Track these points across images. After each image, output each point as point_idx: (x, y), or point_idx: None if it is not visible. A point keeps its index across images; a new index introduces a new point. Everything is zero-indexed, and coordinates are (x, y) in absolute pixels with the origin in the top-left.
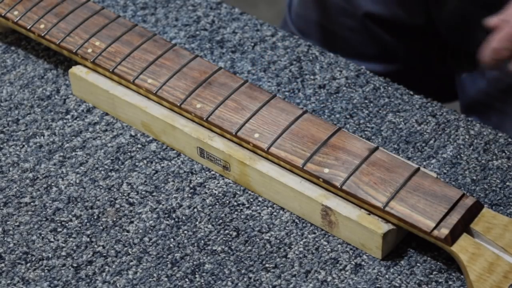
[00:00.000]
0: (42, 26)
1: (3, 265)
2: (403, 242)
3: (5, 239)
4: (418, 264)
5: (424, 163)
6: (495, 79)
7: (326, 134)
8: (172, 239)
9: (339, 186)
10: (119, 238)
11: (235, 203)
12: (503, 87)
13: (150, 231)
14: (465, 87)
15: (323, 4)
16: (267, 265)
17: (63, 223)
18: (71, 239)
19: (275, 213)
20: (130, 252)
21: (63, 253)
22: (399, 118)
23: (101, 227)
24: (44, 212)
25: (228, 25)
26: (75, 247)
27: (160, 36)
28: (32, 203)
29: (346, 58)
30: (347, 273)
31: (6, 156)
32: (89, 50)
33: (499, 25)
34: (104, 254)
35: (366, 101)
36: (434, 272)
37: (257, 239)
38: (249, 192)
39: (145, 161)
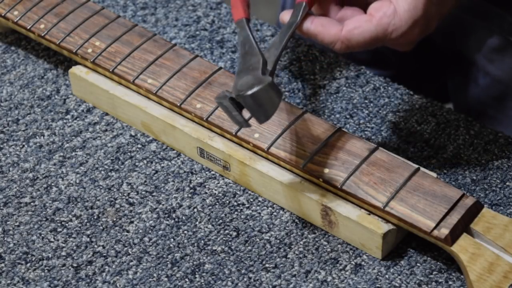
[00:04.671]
0: (42, 26)
1: (3, 265)
2: (403, 242)
3: (5, 239)
4: (418, 264)
5: (424, 163)
6: (487, 86)
7: (326, 134)
8: (172, 239)
9: (339, 186)
10: (119, 238)
11: (235, 203)
12: (496, 94)
13: (150, 231)
14: (458, 94)
15: None
16: (267, 265)
17: (63, 223)
18: (71, 239)
19: (275, 213)
20: (130, 252)
21: (63, 253)
22: (399, 118)
23: (101, 227)
24: (44, 212)
25: (228, 25)
26: (75, 247)
27: (160, 36)
28: (32, 203)
29: None
30: (347, 273)
31: (6, 156)
32: (89, 50)
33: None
34: (104, 254)
35: (366, 101)
36: (434, 272)
37: (257, 239)
38: (249, 192)
39: (145, 161)
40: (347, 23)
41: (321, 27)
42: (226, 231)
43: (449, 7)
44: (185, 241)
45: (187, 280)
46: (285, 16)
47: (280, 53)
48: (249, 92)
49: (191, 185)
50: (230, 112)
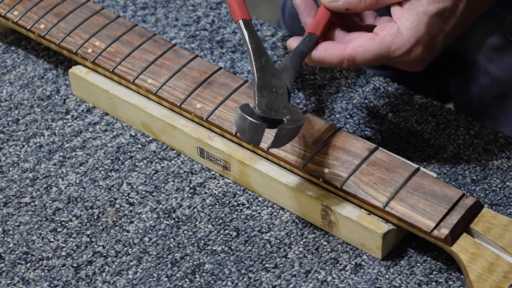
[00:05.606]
0: (42, 26)
1: (3, 265)
2: (403, 242)
3: (5, 239)
4: (418, 264)
5: (424, 163)
6: (488, 85)
7: (326, 134)
8: (172, 239)
9: (339, 186)
10: (119, 238)
11: (235, 203)
12: (496, 93)
13: (150, 231)
14: (459, 93)
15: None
16: (267, 265)
17: (63, 223)
18: (71, 239)
19: (275, 213)
20: (130, 252)
21: (63, 253)
22: (399, 118)
23: (101, 227)
24: (44, 212)
25: (228, 25)
26: (75, 247)
27: (160, 36)
28: (32, 203)
29: None
30: (347, 273)
31: (6, 156)
32: (89, 50)
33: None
34: (104, 254)
35: (366, 101)
36: (434, 272)
37: (257, 239)
38: (249, 192)
39: (145, 161)
40: (351, 42)
41: (325, 52)
42: (226, 231)
43: (453, 25)
44: (185, 241)
45: (187, 280)
46: (293, 42)
47: (294, 80)
48: (291, 126)
49: (191, 185)
50: (250, 128)
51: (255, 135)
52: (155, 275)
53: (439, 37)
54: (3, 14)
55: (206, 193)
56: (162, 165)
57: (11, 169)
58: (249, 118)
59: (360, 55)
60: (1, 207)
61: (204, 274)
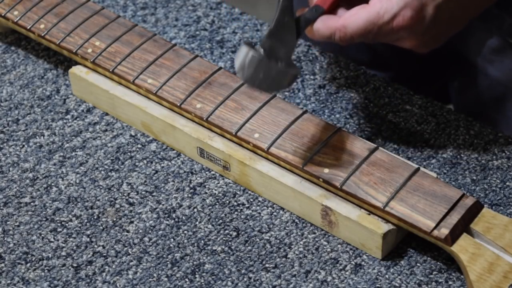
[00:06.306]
0: (42, 26)
1: (3, 265)
2: (403, 242)
3: (5, 239)
4: (418, 264)
5: (424, 163)
6: (487, 87)
7: (326, 134)
8: (172, 239)
9: (339, 186)
10: (119, 238)
11: (235, 203)
12: (495, 95)
13: (150, 231)
14: (458, 95)
15: None
16: (267, 265)
17: (63, 223)
18: (71, 239)
19: (275, 213)
20: (130, 252)
21: (63, 253)
22: (399, 118)
23: (101, 227)
24: (44, 212)
25: (228, 25)
26: (75, 247)
27: (160, 36)
28: (32, 203)
29: None
30: (347, 273)
31: (6, 156)
32: (89, 50)
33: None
34: (104, 254)
35: (366, 101)
36: (434, 272)
37: (257, 239)
38: (249, 192)
39: (145, 161)
40: (345, 14)
41: (320, 24)
42: (226, 231)
43: None
44: (185, 241)
45: (187, 280)
46: (300, 12)
47: (296, 42)
48: (282, 69)
49: (191, 185)
50: (250, 63)
51: (255, 71)
52: (155, 275)
53: (429, 6)
54: (3, 14)
55: (206, 193)
56: (162, 165)
57: (11, 169)
58: (252, 51)
59: (351, 24)
60: (1, 207)
61: (204, 274)
